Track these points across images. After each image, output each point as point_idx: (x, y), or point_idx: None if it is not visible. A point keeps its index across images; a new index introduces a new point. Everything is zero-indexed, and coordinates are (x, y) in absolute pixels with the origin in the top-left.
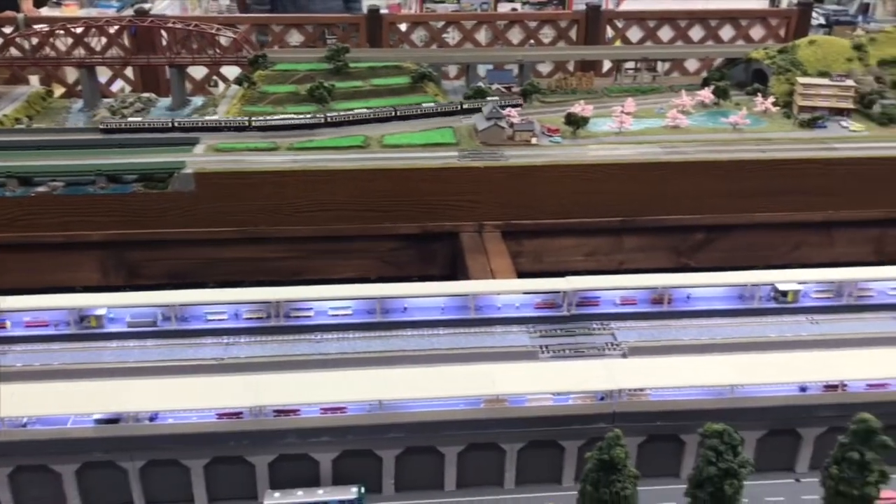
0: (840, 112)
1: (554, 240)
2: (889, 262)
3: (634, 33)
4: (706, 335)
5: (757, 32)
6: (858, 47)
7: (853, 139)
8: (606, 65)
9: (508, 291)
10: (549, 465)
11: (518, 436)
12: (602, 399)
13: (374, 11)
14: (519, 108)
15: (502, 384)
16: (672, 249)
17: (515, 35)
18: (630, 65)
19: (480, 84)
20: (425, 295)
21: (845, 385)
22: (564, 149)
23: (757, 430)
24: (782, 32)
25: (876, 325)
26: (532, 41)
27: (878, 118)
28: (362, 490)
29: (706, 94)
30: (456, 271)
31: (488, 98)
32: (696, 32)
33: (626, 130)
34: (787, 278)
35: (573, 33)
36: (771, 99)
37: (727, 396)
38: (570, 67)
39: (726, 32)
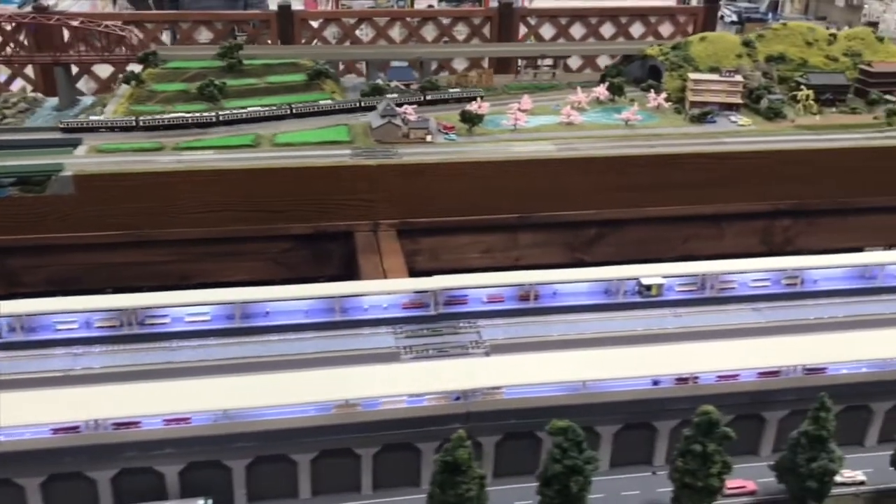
0: (730, 107)
1: (450, 237)
2: (776, 253)
3: (547, 30)
4: (571, 331)
5: (666, 29)
6: (747, 43)
7: (741, 133)
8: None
9: (374, 293)
10: (406, 468)
11: (372, 440)
12: (457, 399)
13: (284, 8)
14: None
15: (354, 388)
16: (566, 245)
17: (430, 32)
18: (541, 62)
19: (379, 81)
20: (287, 298)
21: (696, 377)
22: (459, 146)
23: (612, 425)
24: (690, 28)
25: (736, 316)
26: (446, 38)
27: (765, 112)
28: (210, 503)
29: (601, 91)
30: (352, 272)
31: (387, 95)
32: (608, 29)
33: (521, 127)
34: (651, 273)
35: (487, 30)
36: (663, 95)
37: (581, 392)
38: (485, 64)
39: (636, 29)
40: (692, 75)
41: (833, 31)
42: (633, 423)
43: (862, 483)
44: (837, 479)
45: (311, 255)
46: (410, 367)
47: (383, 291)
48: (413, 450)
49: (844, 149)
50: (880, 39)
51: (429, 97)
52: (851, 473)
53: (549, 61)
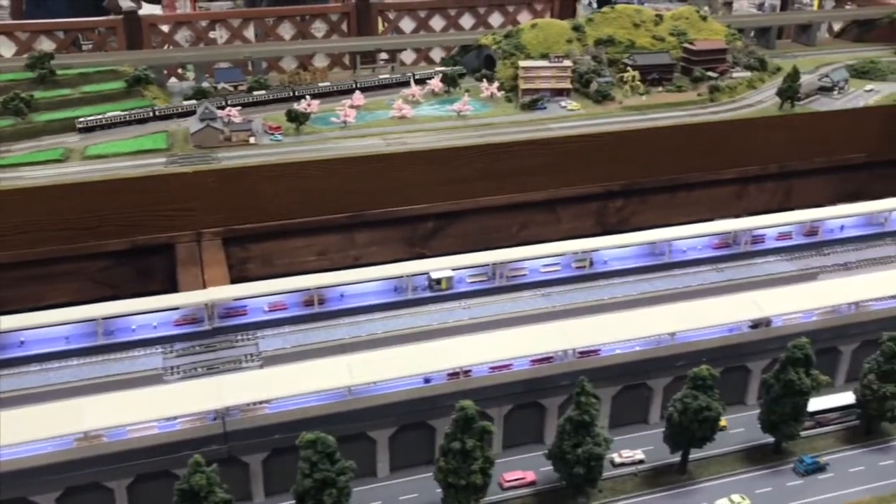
0: (560, 92)
1: (282, 241)
2: (611, 233)
3: (407, 24)
4: (357, 333)
5: (525, 17)
6: (577, 28)
7: (569, 118)
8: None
9: (141, 311)
10: (167, 498)
11: (121, 472)
12: (215, 419)
13: (131, 13)
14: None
15: (97, 418)
16: (405, 240)
17: (287, 31)
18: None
19: (205, 83)
20: (43, 325)
21: (468, 371)
22: (285, 147)
23: (386, 429)
24: (547, 15)
25: (524, 304)
26: (304, 36)
27: (594, 96)
28: None
29: (436, 83)
30: (176, 286)
31: (210, 98)
32: (467, 20)
33: (351, 124)
34: (439, 266)
35: (346, 27)
36: (496, 84)
37: (347, 399)
38: (346, 61)
39: (496, 19)
40: (522, 63)
41: (660, 11)
42: (408, 423)
43: (641, 462)
44: (616, 459)
45: (132, 271)
46: (169, 389)
47: (148, 309)
48: (172, 478)
49: (669, 126)
50: (704, 18)
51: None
52: (631, 453)
53: (384, 55)
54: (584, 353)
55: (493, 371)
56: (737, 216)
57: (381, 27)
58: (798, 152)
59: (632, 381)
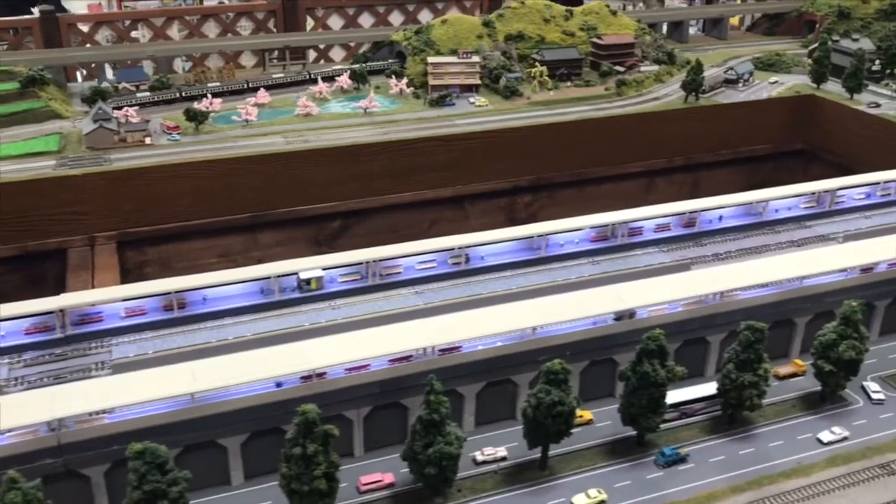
0: (469, 88)
1: (182, 244)
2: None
3: (335, 21)
4: (222, 336)
5: (454, 13)
6: (487, 24)
7: (476, 114)
8: (311, 55)
9: None
10: None
11: None
12: (50, 431)
13: (48, 13)
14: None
15: None
16: (311, 240)
17: (212, 29)
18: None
19: (105, 83)
20: None
21: (322, 373)
22: (182, 147)
23: (237, 435)
24: (477, 12)
25: (397, 302)
26: (230, 34)
27: (503, 91)
28: None
29: (344, 80)
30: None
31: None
32: (396, 17)
33: (253, 122)
34: (309, 266)
35: (273, 24)
36: (405, 80)
37: (191, 406)
38: (275, 58)
39: (424, 16)
40: (431, 59)
41: (570, 7)
42: (261, 430)
43: (504, 459)
44: (478, 457)
45: (22, 278)
46: (6, 400)
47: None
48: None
49: (575, 121)
50: (614, 13)
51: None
52: (493, 450)
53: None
54: (445, 351)
55: (350, 372)
56: None
57: (309, 24)
58: (703, 144)
59: (496, 377)
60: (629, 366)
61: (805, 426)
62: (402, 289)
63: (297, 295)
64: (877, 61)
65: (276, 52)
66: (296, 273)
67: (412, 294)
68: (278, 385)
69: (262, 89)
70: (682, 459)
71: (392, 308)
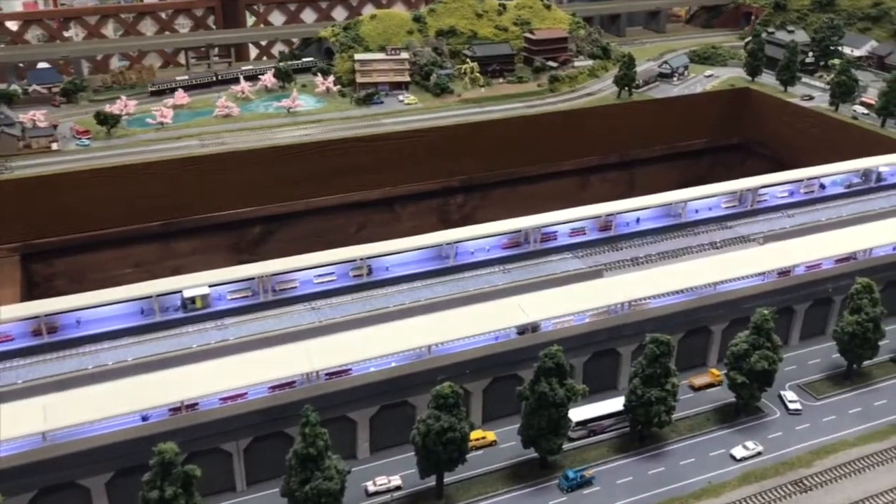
0: (399, 86)
1: (92, 255)
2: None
3: (277, 17)
4: (99, 362)
5: (399, 7)
6: (418, 19)
7: (405, 112)
8: (253, 51)
9: None
10: None
11: None
12: None
13: None
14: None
15: None
16: (231, 247)
17: (149, 27)
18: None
19: (15, 86)
20: None
21: (194, 405)
22: (91, 152)
23: (99, 475)
24: (422, 6)
25: (290, 319)
26: (167, 32)
27: (433, 89)
28: None
29: (269, 79)
30: None
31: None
32: (339, 13)
33: (168, 125)
34: (194, 283)
35: (212, 21)
36: (332, 78)
37: (42, 446)
38: (215, 56)
39: (368, 10)
40: (358, 56)
41: (503, 1)
42: (128, 467)
43: (398, 488)
44: (370, 487)
45: None
46: None
47: None
48: None
49: (505, 119)
50: (547, 6)
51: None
52: (386, 480)
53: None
54: (333, 374)
55: (225, 402)
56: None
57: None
58: (638, 141)
59: (391, 399)
60: (526, 386)
61: (718, 441)
62: (297, 305)
63: (180, 315)
64: (810, 53)
65: (214, 50)
66: (179, 291)
67: (308, 310)
68: (144, 419)
69: (179, 90)
70: (587, 482)
71: (284, 327)
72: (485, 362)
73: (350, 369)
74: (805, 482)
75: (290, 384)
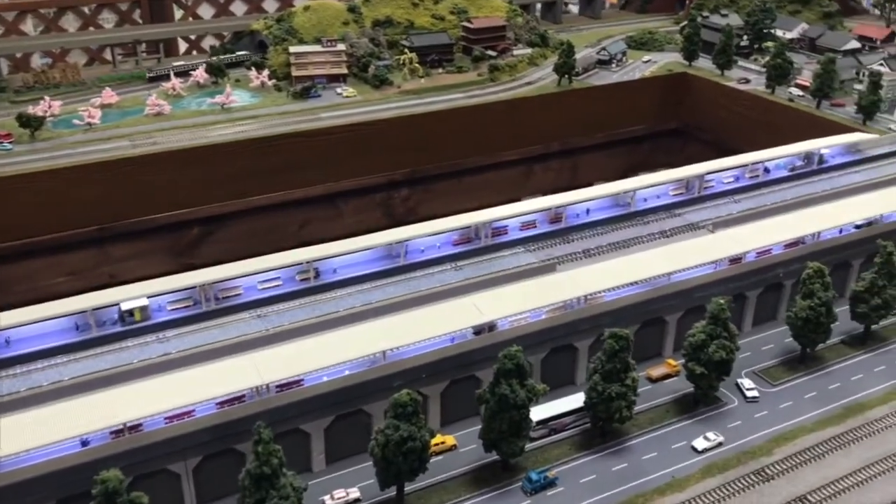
0: (336, 78)
1: (19, 265)
2: (399, 224)
3: (206, 10)
4: (32, 384)
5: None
6: (353, 9)
7: (344, 105)
8: (183, 46)
9: None
10: None
11: None
12: None
13: None
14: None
15: None
16: (169, 251)
17: (71, 23)
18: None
19: None
20: None
21: (137, 426)
22: (15, 157)
23: None
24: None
25: (235, 329)
26: (91, 28)
27: (372, 81)
28: None
29: (200, 74)
30: None
31: None
32: (270, 4)
33: (97, 126)
34: (132, 295)
35: (138, 15)
36: (266, 72)
37: None
38: (143, 52)
39: (302, 1)
40: (293, 48)
41: None
42: (69, 496)
43: (357, 501)
44: (328, 501)
45: None
46: None
47: None
48: None
49: (446, 110)
50: None
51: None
52: (344, 493)
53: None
54: (284, 386)
55: (170, 422)
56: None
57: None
58: (579, 128)
59: (346, 409)
60: (486, 388)
61: (679, 433)
62: (242, 313)
63: (119, 329)
64: (745, 37)
65: (142, 46)
66: (116, 304)
67: (254, 318)
68: (84, 444)
69: (107, 89)
70: (551, 483)
71: (229, 337)
72: (442, 365)
73: (302, 380)
74: (767, 471)
75: (240, 399)
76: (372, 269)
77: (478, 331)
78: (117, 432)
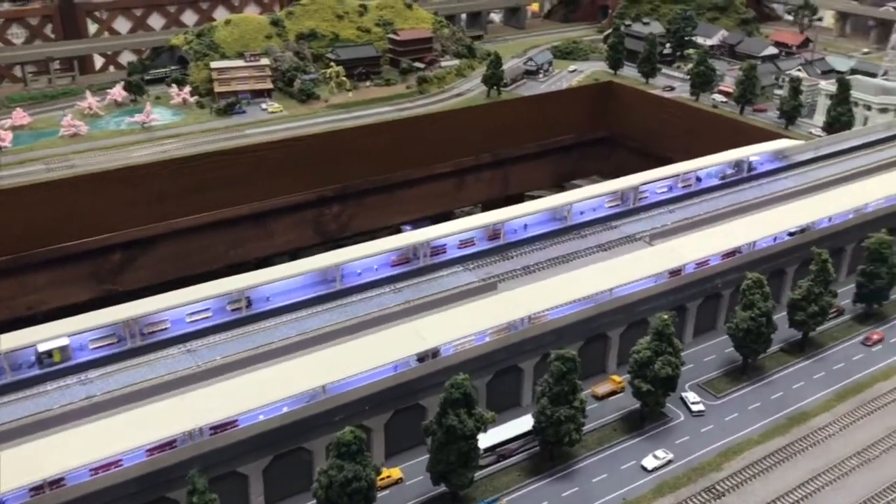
0: (261, 93)
1: None
2: (332, 240)
3: (122, 24)
4: None
5: (253, 9)
6: (276, 23)
7: (269, 121)
8: (98, 61)
9: None
10: None
11: None
12: None
13: None
14: None
15: None
16: (91, 277)
17: None
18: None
19: None
20: None
21: (59, 481)
22: None
23: None
24: (277, 7)
25: (164, 366)
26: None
27: (298, 95)
28: None
29: (118, 92)
30: None
31: None
32: (189, 17)
33: (7, 149)
34: (50, 334)
35: (50, 30)
36: (188, 88)
37: None
38: (56, 69)
39: (221, 15)
40: (215, 64)
41: (363, 1)
42: None
43: None
44: None
45: None
46: None
47: None
48: None
49: (375, 124)
50: (409, 6)
51: None
52: None
53: (56, 64)
54: (218, 428)
55: (96, 473)
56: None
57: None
58: (509, 139)
59: (285, 447)
60: (433, 419)
61: (628, 452)
62: (170, 348)
63: (36, 372)
64: (667, 44)
65: (55, 63)
66: (33, 345)
67: (183, 353)
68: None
69: (18, 109)
70: None
71: (158, 375)
72: (385, 395)
73: (237, 421)
74: (717, 488)
75: (171, 444)
76: (307, 296)
77: (421, 358)
78: (37, 489)
